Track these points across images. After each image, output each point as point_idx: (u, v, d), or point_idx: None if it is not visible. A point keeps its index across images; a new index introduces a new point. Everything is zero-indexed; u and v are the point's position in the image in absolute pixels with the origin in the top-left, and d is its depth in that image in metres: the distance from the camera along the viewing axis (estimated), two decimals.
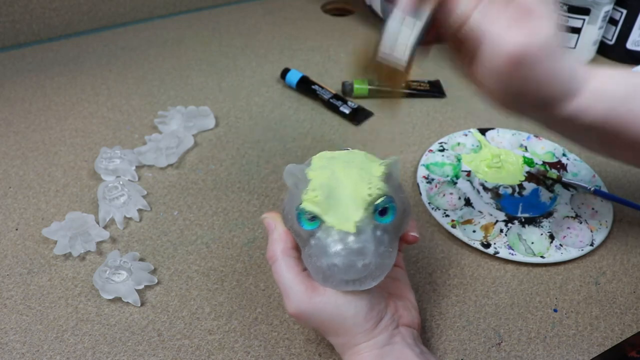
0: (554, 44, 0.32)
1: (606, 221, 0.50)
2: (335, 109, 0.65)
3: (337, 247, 0.32)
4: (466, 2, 0.32)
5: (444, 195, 0.53)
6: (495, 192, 0.53)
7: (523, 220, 0.50)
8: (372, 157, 0.37)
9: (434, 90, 0.68)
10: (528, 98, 0.34)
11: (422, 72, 0.73)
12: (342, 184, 0.34)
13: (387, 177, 0.35)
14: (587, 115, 0.34)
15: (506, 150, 0.58)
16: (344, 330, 0.35)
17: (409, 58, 0.35)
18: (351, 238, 0.32)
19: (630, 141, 0.35)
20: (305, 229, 0.34)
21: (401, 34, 0.34)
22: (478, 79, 0.35)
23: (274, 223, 0.37)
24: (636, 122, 0.34)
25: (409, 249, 0.48)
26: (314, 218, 0.33)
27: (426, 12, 0.34)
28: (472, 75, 0.37)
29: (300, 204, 0.34)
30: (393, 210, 0.34)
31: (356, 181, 0.34)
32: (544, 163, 0.57)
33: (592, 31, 0.70)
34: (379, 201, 0.33)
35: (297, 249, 0.37)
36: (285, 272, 0.35)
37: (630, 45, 0.72)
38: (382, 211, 0.33)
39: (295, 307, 0.34)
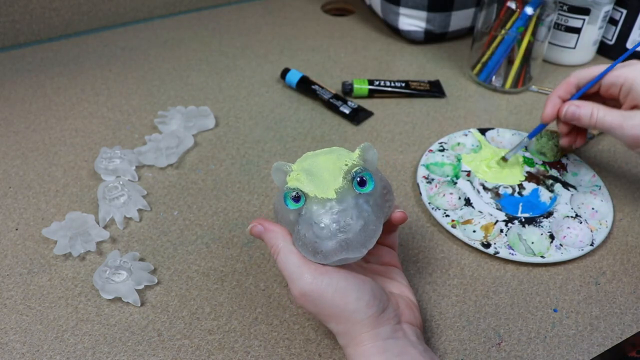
0: None
1: (606, 221, 0.50)
2: (335, 109, 0.65)
3: (320, 212, 0.35)
4: (586, 113, 0.48)
5: (444, 195, 0.53)
6: (495, 192, 0.53)
7: (523, 220, 0.50)
8: (351, 152, 0.39)
9: (434, 90, 0.68)
10: None
11: (423, 72, 0.73)
12: (322, 166, 0.37)
13: (363, 161, 0.38)
14: None
15: (506, 150, 0.58)
16: (346, 316, 0.35)
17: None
18: (333, 203, 0.35)
19: None
20: (291, 208, 0.36)
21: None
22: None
23: (262, 224, 0.38)
24: None
25: (409, 249, 0.48)
26: (298, 198, 0.35)
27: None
28: None
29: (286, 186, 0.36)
30: (371, 181, 0.36)
31: (334, 161, 0.37)
32: (544, 163, 0.57)
33: (592, 31, 0.70)
34: (355, 169, 0.36)
35: None
36: (290, 257, 0.36)
37: (630, 45, 0.72)
38: (361, 182, 0.35)
39: (300, 288, 0.35)
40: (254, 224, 0.38)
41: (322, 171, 0.36)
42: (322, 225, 0.34)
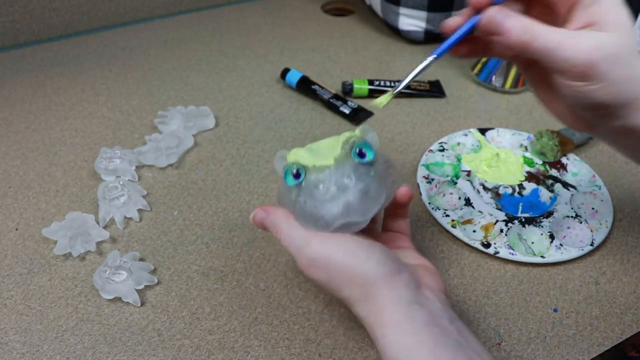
0: (630, 45, 0.32)
1: (606, 221, 0.50)
2: (335, 109, 0.65)
3: (319, 177, 0.35)
4: (516, 27, 0.32)
5: (444, 195, 0.53)
6: (495, 192, 0.53)
7: (523, 220, 0.50)
8: None
9: (434, 90, 0.68)
10: (605, 106, 0.33)
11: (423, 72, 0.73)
12: (322, 144, 0.37)
13: None
14: None
15: (506, 150, 0.58)
16: (360, 278, 0.33)
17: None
18: (332, 169, 0.35)
19: None
20: (291, 185, 0.36)
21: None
22: (550, 98, 0.37)
23: (264, 209, 0.37)
24: None
25: None
26: (299, 174, 0.35)
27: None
28: (543, 94, 0.38)
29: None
30: (370, 151, 0.35)
31: (333, 140, 0.37)
32: (544, 163, 0.57)
33: None
34: (353, 139, 0.36)
35: None
36: (293, 230, 0.35)
37: None
38: (360, 154, 0.35)
39: (307, 256, 0.34)
40: (256, 211, 0.38)
41: (321, 148, 0.36)
42: (321, 187, 0.34)
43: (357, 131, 0.38)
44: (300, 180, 0.35)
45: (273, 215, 0.37)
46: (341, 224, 0.34)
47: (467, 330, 0.34)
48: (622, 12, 0.32)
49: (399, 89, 0.38)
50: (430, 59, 0.37)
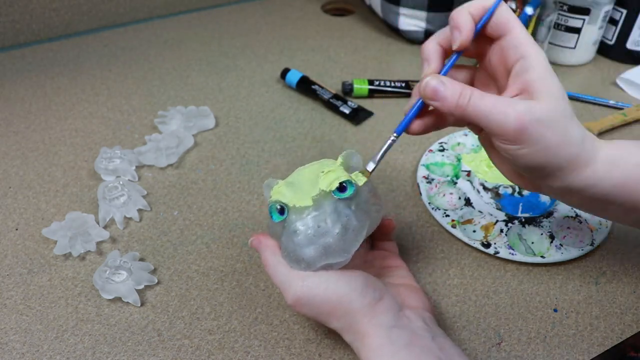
0: (559, 111, 0.33)
1: (606, 221, 0.50)
2: (335, 109, 0.65)
3: (298, 222, 0.35)
4: (453, 94, 0.34)
5: (444, 195, 0.53)
6: (495, 192, 0.53)
7: (523, 220, 0.50)
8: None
9: None
10: (541, 168, 0.34)
11: None
12: (304, 177, 0.37)
13: (346, 168, 0.38)
14: (603, 184, 0.35)
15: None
16: (344, 309, 0.35)
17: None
18: (310, 210, 0.35)
19: None
20: (276, 221, 0.36)
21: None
22: (499, 161, 0.39)
23: (259, 239, 0.38)
24: None
25: (409, 249, 0.48)
26: (282, 210, 0.36)
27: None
28: (493, 158, 0.39)
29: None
30: (351, 187, 0.35)
31: (315, 171, 0.37)
32: None
33: (592, 31, 0.70)
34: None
35: None
36: (278, 268, 0.36)
37: (630, 45, 0.72)
38: (340, 188, 0.35)
39: (292, 295, 0.35)
40: (253, 238, 0.39)
41: (303, 182, 0.36)
42: (298, 232, 0.35)
43: (340, 157, 0.38)
44: (285, 216, 0.36)
45: (263, 247, 0.38)
46: (322, 265, 0.35)
47: (451, 345, 0.35)
48: (552, 81, 0.34)
49: (373, 168, 0.38)
50: (392, 137, 0.38)
